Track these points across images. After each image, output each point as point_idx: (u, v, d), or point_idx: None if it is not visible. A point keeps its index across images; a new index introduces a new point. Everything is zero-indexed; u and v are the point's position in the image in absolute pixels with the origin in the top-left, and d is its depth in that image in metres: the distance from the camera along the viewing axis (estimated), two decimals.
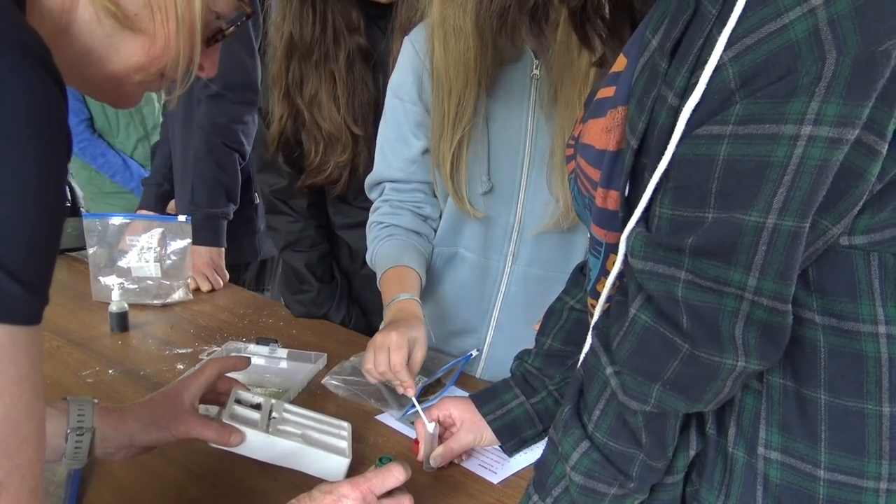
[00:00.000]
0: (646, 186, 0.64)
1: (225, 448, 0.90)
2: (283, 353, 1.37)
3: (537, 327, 1.14)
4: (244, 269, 2.11)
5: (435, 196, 1.36)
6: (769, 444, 0.67)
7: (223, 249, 1.84)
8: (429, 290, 1.38)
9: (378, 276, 1.29)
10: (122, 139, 2.33)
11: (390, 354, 1.08)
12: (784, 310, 0.59)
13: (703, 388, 0.64)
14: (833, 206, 0.59)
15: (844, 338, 0.63)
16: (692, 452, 0.74)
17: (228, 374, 1.00)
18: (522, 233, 1.28)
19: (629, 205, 0.68)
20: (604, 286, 0.73)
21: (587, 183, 0.75)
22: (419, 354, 1.11)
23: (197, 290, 1.77)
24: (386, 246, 1.31)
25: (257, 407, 0.98)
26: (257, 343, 1.40)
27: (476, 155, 1.25)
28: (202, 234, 1.79)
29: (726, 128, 0.58)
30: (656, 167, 0.62)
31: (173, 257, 1.67)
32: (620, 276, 0.71)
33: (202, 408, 0.94)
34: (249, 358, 1.02)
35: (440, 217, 1.37)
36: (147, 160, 2.34)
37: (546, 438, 0.82)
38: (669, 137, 0.61)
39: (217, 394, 0.98)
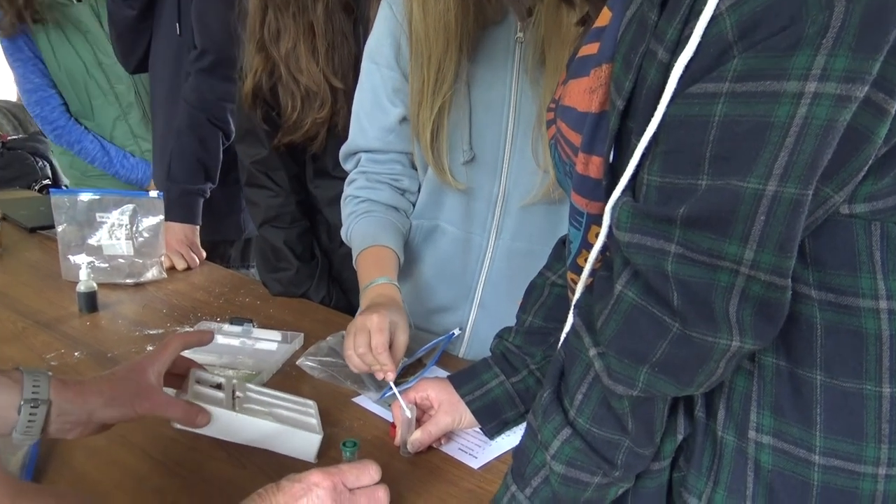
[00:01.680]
0: (632, 152, 0.59)
1: (191, 429, 0.85)
2: (257, 332, 1.32)
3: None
4: (229, 246, 2.05)
5: (414, 168, 1.30)
6: (760, 427, 0.63)
7: (198, 227, 1.78)
8: (408, 266, 1.33)
9: (354, 256, 1.24)
10: (100, 120, 2.22)
11: (371, 336, 1.03)
12: (783, 285, 0.54)
13: (695, 370, 0.59)
14: (836, 171, 0.54)
15: (842, 314, 0.59)
16: (680, 437, 0.69)
17: (191, 356, 0.95)
18: (507, 205, 1.22)
19: (614, 172, 0.62)
20: (586, 260, 0.68)
21: (568, 149, 0.69)
22: (402, 339, 1.06)
23: (172, 269, 1.71)
24: (363, 223, 1.26)
25: (219, 387, 0.94)
26: (231, 323, 1.35)
27: (457, 123, 1.18)
28: (176, 211, 1.73)
29: (722, 85, 0.52)
30: (644, 130, 0.57)
31: (146, 235, 1.61)
32: (604, 249, 0.66)
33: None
34: (212, 332, 0.98)
35: (419, 190, 1.31)
36: (127, 139, 2.24)
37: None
38: (659, 97, 0.56)
39: (173, 376, 0.93)
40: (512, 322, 1.07)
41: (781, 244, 0.52)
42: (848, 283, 0.58)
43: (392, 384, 1.03)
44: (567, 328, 0.71)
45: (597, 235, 0.66)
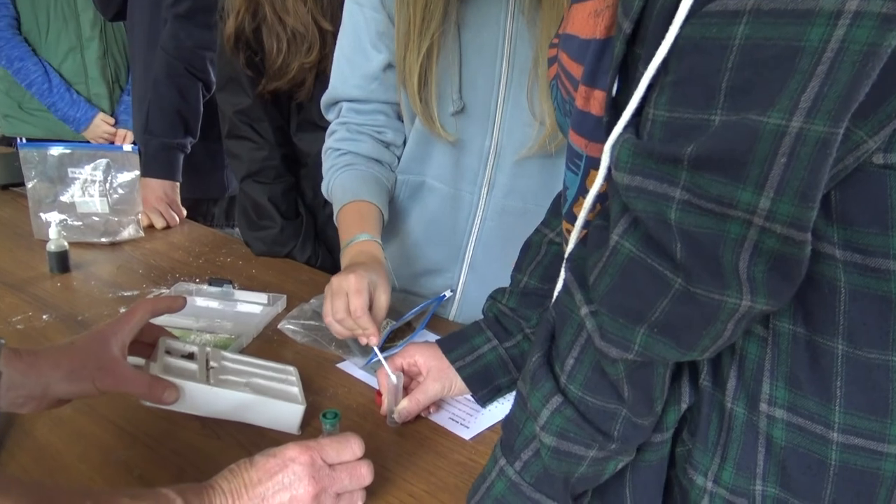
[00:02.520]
0: (637, 84, 0.52)
1: (160, 406, 0.81)
2: (238, 294, 1.28)
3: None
4: (212, 204, 2.00)
5: (399, 119, 1.24)
6: (773, 400, 0.58)
7: (178, 184, 1.73)
8: (393, 224, 1.28)
9: (335, 211, 1.19)
10: (52, 47, 2.05)
11: (349, 299, 0.98)
12: (802, 239, 0.48)
13: (699, 331, 0.53)
14: (873, 110, 0.48)
15: (870, 277, 0.53)
16: (683, 406, 0.64)
17: (166, 319, 0.91)
18: (499, 159, 1.16)
19: (617, 108, 0.56)
20: (582, 208, 0.62)
21: (568, 83, 0.63)
22: (383, 299, 1.01)
23: (150, 228, 1.66)
24: (343, 177, 1.21)
25: (190, 357, 0.90)
26: (210, 284, 1.31)
27: (446, 69, 1.12)
28: (155, 166, 1.69)
29: (746, 2, 0.46)
30: (652, 58, 0.50)
31: (121, 191, 1.56)
32: (602, 197, 0.60)
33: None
34: (185, 298, 0.92)
35: (404, 143, 1.26)
36: (78, 76, 2.12)
37: None
38: (672, 17, 0.49)
39: (141, 344, 0.88)
40: (503, 284, 1.02)
41: (803, 192, 0.46)
42: (878, 242, 0.53)
43: (377, 350, 0.99)
44: (559, 285, 0.66)
45: (595, 181, 0.60)
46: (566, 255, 0.64)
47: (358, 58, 1.19)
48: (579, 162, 0.65)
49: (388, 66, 1.18)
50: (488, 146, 1.15)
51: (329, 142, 1.26)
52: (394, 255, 1.31)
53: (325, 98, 1.26)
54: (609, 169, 0.56)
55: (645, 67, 0.52)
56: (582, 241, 0.63)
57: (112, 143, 2.07)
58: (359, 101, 1.22)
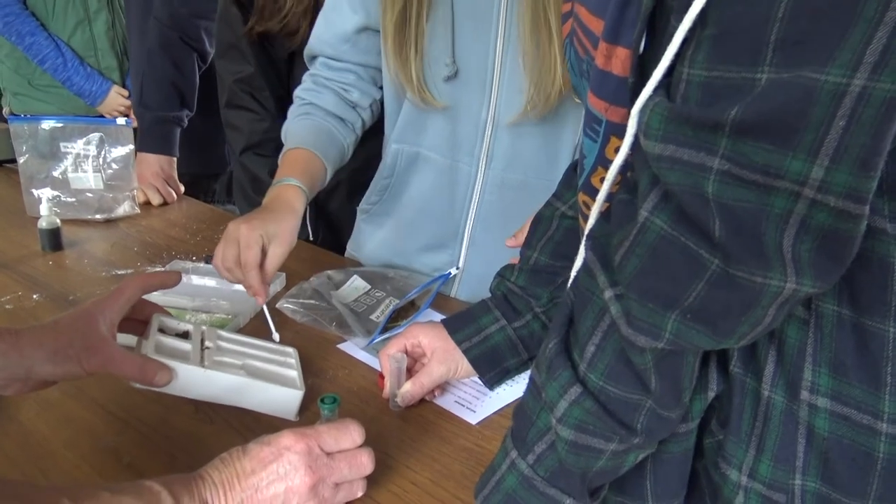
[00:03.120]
0: (669, 39, 0.46)
1: (151, 388, 0.76)
2: None
3: (511, 242, 1.01)
4: (213, 180, 1.94)
5: (373, 83, 1.20)
6: (816, 387, 0.53)
7: (175, 159, 1.67)
8: (390, 199, 1.23)
9: (281, 153, 1.15)
10: (59, 21, 1.97)
11: (240, 251, 0.94)
12: (859, 213, 0.42)
13: (737, 317, 0.48)
14: None
15: None
16: (710, 395, 0.59)
17: (160, 299, 0.88)
18: (497, 129, 1.09)
19: (643, 67, 0.50)
20: (603, 179, 0.56)
21: (587, 40, 0.57)
22: (277, 254, 0.97)
23: (147, 204, 1.61)
24: (297, 124, 1.17)
25: (185, 336, 0.85)
26: (206, 261, 1.25)
27: (437, 29, 1.05)
28: (150, 141, 1.63)
29: None
30: (688, 8, 0.44)
31: (115, 166, 1.50)
32: (627, 167, 0.54)
33: (118, 338, 0.78)
34: (179, 273, 0.87)
35: (373, 107, 1.22)
36: (87, 49, 2.05)
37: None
38: None
39: (134, 322, 0.83)
40: (506, 261, 0.98)
41: (864, 160, 0.40)
42: None
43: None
44: (577, 264, 0.60)
45: (616, 150, 0.54)
46: (586, 232, 0.58)
47: (334, 16, 1.15)
48: (598, 128, 0.59)
49: (364, 30, 1.14)
50: (485, 115, 1.09)
51: (297, 90, 1.22)
52: (391, 230, 1.26)
53: (306, 51, 1.23)
54: (636, 137, 0.50)
55: (679, 20, 0.45)
56: (604, 217, 0.57)
57: (127, 116, 2.00)
58: (331, 58, 1.19)
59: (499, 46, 1.03)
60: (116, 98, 2.04)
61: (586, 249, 0.57)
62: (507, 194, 1.13)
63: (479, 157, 1.12)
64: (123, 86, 2.11)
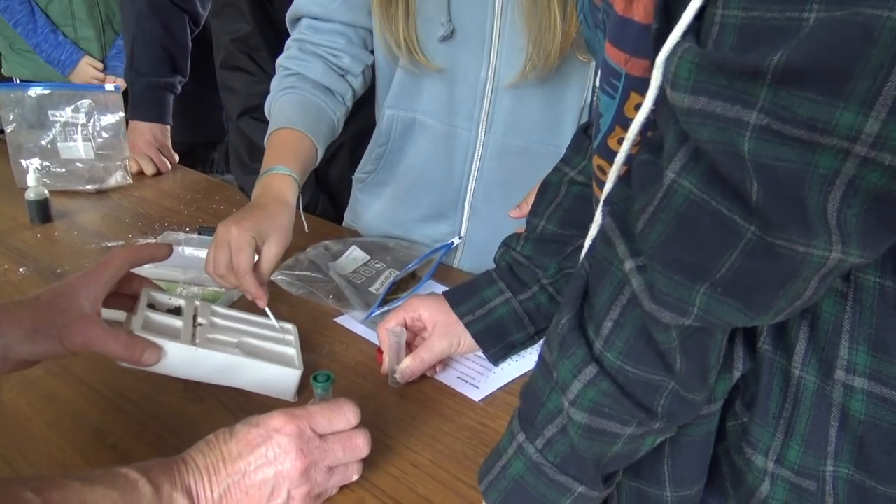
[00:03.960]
0: None
1: (138, 367, 0.72)
2: None
3: (516, 213, 0.96)
4: (211, 149, 1.88)
5: (363, 46, 1.12)
6: (853, 366, 0.48)
7: (168, 127, 1.61)
8: (388, 165, 1.18)
9: (267, 134, 1.08)
10: None
11: (232, 254, 0.87)
12: None
13: (775, 291, 0.42)
14: None
15: None
16: (736, 374, 0.54)
17: (151, 271, 0.84)
18: (497, 92, 1.03)
19: (669, 12, 0.44)
20: (620, 141, 0.51)
21: None
22: (272, 253, 0.90)
23: (140, 174, 1.55)
24: (283, 100, 1.09)
25: (177, 311, 0.80)
26: (199, 233, 1.20)
27: None
28: (142, 108, 1.57)
29: None
30: None
31: (105, 135, 1.43)
32: (649, 125, 0.48)
33: (104, 313, 0.74)
34: (170, 246, 0.82)
35: (365, 73, 1.14)
36: (64, 16, 1.95)
37: (540, 343, 0.66)
38: None
39: (122, 297, 0.78)
40: (509, 230, 0.93)
41: None
42: None
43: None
44: (593, 231, 0.54)
45: (637, 108, 0.48)
46: (602, 197, 0.52)
47: None
48: (617, 82, 0.53)
49: None
50: (484, 77, 1.03)
51: (281, 59, 1.14)
52: (390, 199, 1.21)
53: (289, 13, 1.14)
54: (661, 90, 0.44)
55: None
56: (623, 180, 0.51)
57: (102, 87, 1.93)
58: (319, 18, 1.10)
59: (498, 2, 0.97)
60: (87, 69, 1.97)
61: (604, 215, 0.51)
62: (508, 161, 1.08)
63: (478, 121, 1.07)
64: (103, 58, 2.03)
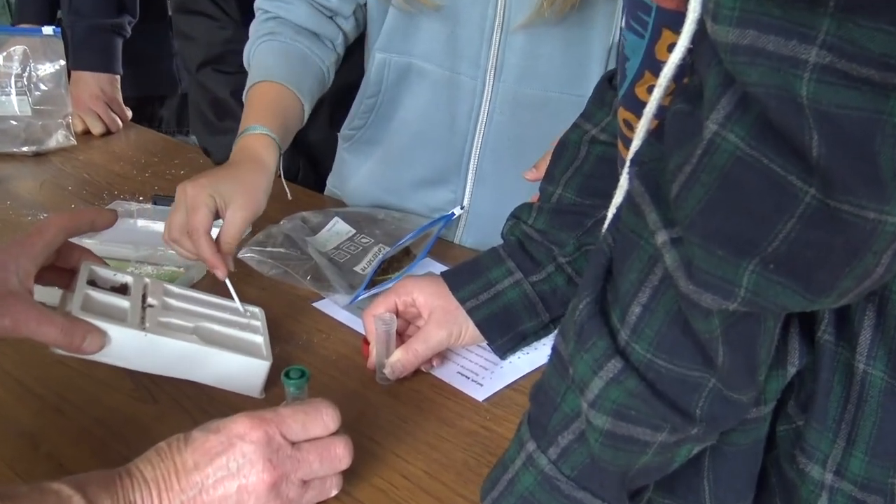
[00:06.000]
0: None
1: (77, 355, 0.72)
2: None
3: (531, 175, 0.97)
4: (159, 104, 1.89)
5: None
6: None
7: (118, 77, 1.62)
8: (379, 119, 1.19)
9: (246, 89, 1.10)
10: None
11: (188, 216, 0.90)
12: None
13: (840, 268, 0.42)
14: None
15: None
16: (791, 370, 0.54)
17: (96, 248, 0.84)
18: (507, 32, 1.04)
19: None
20: (651, 88, 0.50)
21: None
22: (236, 219, 0.92)
23: (86, 134, 1.57)
24: (263, 50, 1.12)
25: (123, 290, 0.81)
26: (154, 203, 1.22)
27: None
28: (86, 55, 1.57)
29: None
30: None
31: (43, 87, 1.45)
32: (685, 70, 0.48)
33: (37, 292, 0.75)
34: (115, 212, 0.82)
35: (357, 15, 1.16)
36: None
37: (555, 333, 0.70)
38: None
39: (58, 271, 0.79)
40: (521, 197, 0.95)
41: None
42: None
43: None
44: (617, 199, 0.55)
45: (671, 48, 0.48)
46: (630, 156, 0.52)
47: None
48: (646, 18, 0.54)
49: None
50: (491, 14, 1.03)
51: (257, 1, 1.17)
52: (380, 160, 1.23)
53: None
54: (700, 23, 0.44)
55: None
56: (654, 136, 0.51)
57: None
58: None
59: None
60: None
61: (631, 178, 0.52)
62: (521, 114, 1.08)
63: (485, 67, 1.07)
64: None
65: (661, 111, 0.51)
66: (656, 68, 0.52)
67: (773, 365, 0.53)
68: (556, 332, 0.90)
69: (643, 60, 0.55)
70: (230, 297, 0.89)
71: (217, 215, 0.91)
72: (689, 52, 0.46)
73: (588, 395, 0.52)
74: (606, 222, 0.55)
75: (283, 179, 1.12)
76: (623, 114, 0.57)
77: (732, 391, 0.50)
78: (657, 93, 0.49)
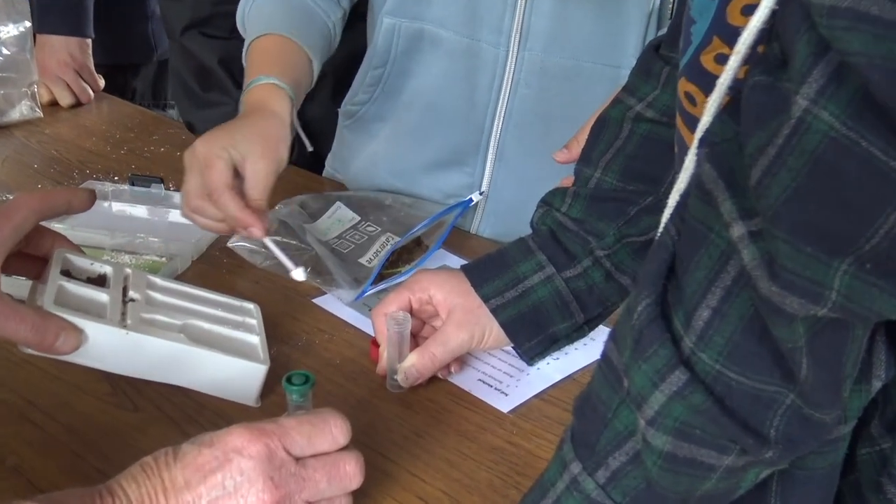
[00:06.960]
0: None
1: (48, 355, 0.72)
2: (172, 198, 1.19)
3: (562, 156, 0.98)
4: (132, 74, 1.89)
5: None
6: None
7: (89, 41, 1.62)
8: (387, 93, 1.20)
9: (244, 49, 1.12)
10: None
11: (203, 176, 0.91)
12: None
13: None
14: None
15: None
16: (876, 385, 0.54)
17: (69, 234, 0.83)
18: None
19: None
20: (720, 58, 0.50)
21: None
22: (258, 169, 0.93)
23: (53, 105, 1.57)
24: (261, 4, 1.13)
25: (101, 281, 0.81)
26: (132, 184, 1.21)
27: None
28: (53, 17, 1.57)
29: None
30: None
31: (5, 51, 1.44)
32: (765, 36, 0.47)
33: (4, 282, 0.75)
34: (93, 191, 0.82)
35: None
36: None
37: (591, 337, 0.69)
38: None
39: (28, 259, 0.79)
40: (548, 182, 0.95)
41: None
42: None
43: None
44: (681, 184, 0.54)
45: (747, 10, 0.48)
46: (698, 135, 0.52)
47: None
48: None
49: None
50: None
51: None
52: (388, 139, 1.23)
53: None
54: None
55: None
56: (727, 112, 0.50)
57: None
58: None
59: None
60: None
61: (700, 161, 0.51)
62: (550, 86, 1.10)
63: (508, 33, 1.08)
64: None
65: (735, 84, 0.51)
66: (728, 34, 0.52)
67: (856, 379, 0.52)
68: (588, 335, 0.91)
69: (712, 24, 0.54)
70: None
71: (235, 172, 0.91)
72: (773, 13, 0.45)
73: (646, 411, 0.52)
74: (668, 211, 0.55)
75: (301, 130, 1.11)
76: (685, 85, 0.57)
77: (814, 409, 0.50)
78: (732, 62, 0.48)
